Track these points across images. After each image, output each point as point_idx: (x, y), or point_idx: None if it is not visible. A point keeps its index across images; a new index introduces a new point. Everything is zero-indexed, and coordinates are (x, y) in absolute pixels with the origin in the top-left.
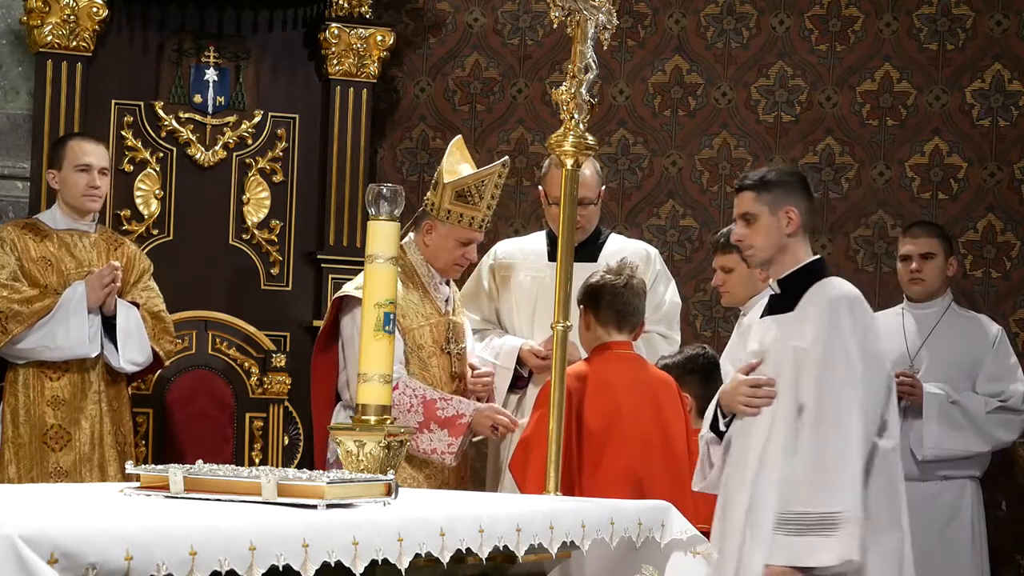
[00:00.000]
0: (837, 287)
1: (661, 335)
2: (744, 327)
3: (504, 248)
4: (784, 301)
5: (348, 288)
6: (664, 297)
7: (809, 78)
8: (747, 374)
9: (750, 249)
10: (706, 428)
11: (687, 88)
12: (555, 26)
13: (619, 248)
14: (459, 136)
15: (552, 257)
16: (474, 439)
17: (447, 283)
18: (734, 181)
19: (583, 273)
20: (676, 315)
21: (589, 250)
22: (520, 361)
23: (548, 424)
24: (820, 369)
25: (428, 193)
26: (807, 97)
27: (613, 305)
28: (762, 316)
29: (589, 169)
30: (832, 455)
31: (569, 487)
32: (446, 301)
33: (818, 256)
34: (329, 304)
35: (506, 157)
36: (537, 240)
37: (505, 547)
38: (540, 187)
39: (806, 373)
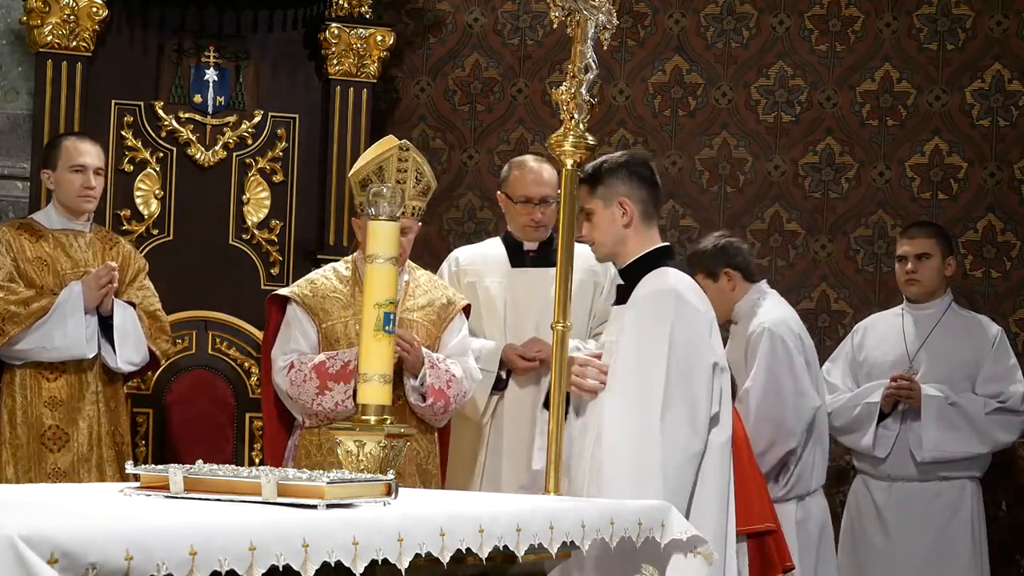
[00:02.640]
0: (662, 279)
1: None
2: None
3: (465, 255)
4: (625, 292)
5: (282, 290)
6: None
7: (809, 78)
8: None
9: (594, 245)
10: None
11: (687, 88)
12: (555, 26)
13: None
14: (387, 136)
15: (514, 262)
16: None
17: (405, 274)
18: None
19: (544, 280)
20: None
21: (549, 254)
22: (500, 363)
23: None
24: (631, 361)
25: None
26: (807, 97)
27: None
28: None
29: (549, 167)
30: (635, 447)
31: None
32: None
33: (662, 244)
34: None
35: (404, 140)
36: (496, 245)
37: (505, 547)
38: (500, 192)
39: (619, 364)
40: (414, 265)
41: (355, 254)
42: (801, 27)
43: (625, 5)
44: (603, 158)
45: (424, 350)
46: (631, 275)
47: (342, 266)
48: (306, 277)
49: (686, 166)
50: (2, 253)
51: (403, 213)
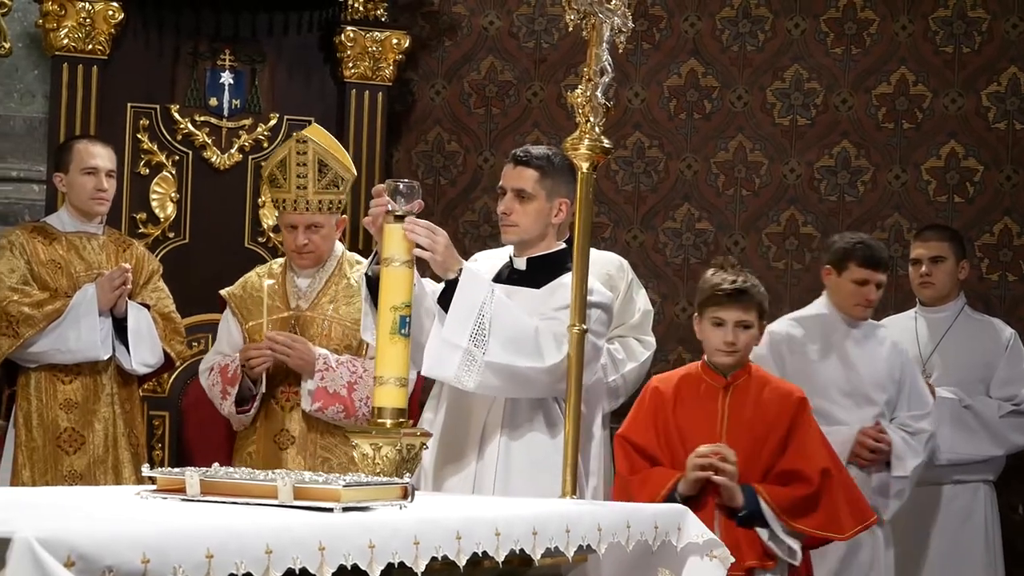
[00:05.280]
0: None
1: (637, 340)
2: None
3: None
4: (528, 278)
5: (223, 290)
6: (639, 304)
7: (825, 81)
8: None
9: (513, 227)
10: None
11: (702, 91)
12: (570, 29)
13: (600, 257)
14: (294, 135)
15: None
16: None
17: (328, 272)
18: (515, 152)
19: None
20: (649, 321)
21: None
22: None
23: None
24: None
25: None
26: (823, 100)
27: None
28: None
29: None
30: None
31: None
32: (302, 295)
33: (563, 245)
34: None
35: (303, 133)
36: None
37: (521, 550)
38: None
39: None
40: (355, 259)
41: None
42: (817, 30)
43: (640, 8)
44: (553, 150)
45: (321, 351)
46: (537, 268)
47: (276, 265)
48: (246, 275)
49: (701, 169)
50: (16, 256)
51: (308, 208)
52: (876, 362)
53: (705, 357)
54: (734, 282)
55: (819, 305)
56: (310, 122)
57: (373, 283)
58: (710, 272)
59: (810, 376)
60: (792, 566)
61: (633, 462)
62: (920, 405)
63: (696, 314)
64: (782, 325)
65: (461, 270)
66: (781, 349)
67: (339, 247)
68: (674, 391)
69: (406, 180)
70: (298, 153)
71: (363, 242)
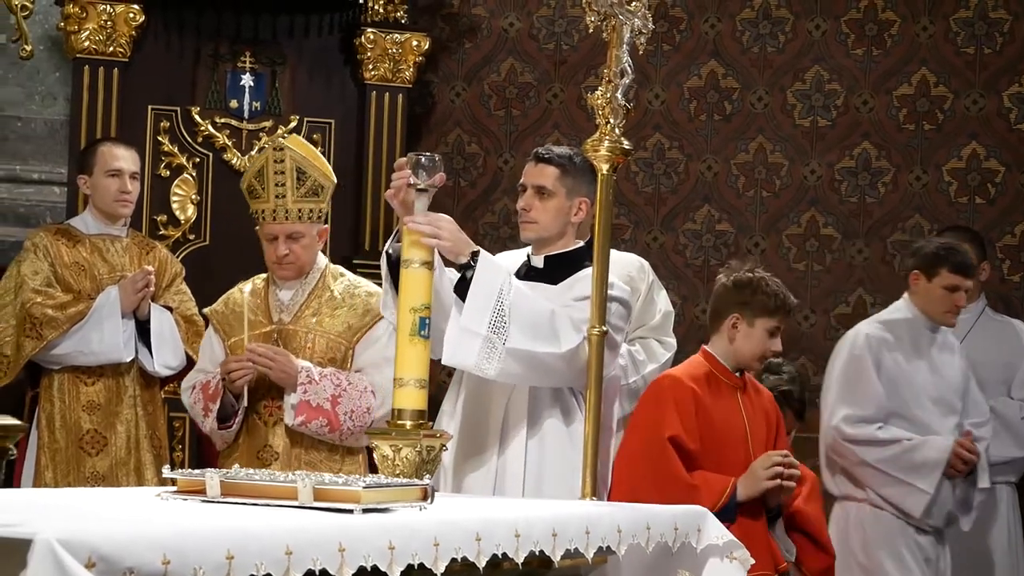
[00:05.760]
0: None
1: (658, 341)
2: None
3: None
4: (545, 276)
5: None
6: (660, 306)
7: (846, 82)
8: None
9: (532, 223)
10: None
11: (723, 92)
12: (590, 31)
13: (622, 258)
14: (271, 143)
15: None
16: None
17: (311, 284)
18: (537, 150)
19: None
20: (670, 322)
21: (554, 269)
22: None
23: None
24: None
25: None
26: (843, 101)
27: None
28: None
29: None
30: None
31: None
32: (284, 308)
33: (582, 244)
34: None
35: (279, 140)
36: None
37: (541, 552)
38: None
39: None
40: (339, 272)
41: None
42: (838, 31)
43: (661, 10)
44: (575, 150)
45: (304, 364)
46: (555, 265)
47: (259, 280)
48: (229, 291)
49: (722, 171)
50: (40, 258)
51: (287, 218)
52: (954, 368)
53: (716, 356)
54: (788, 296)
55: (903, 309)
56: (330, 124)
57: (394, 261)
58: (759, 276)
59: (904, 381)
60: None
61: (684, 464)
62: (980, 412)
63: (736, 315)
64: (873, 328)
65: (474, 254)
66: (881, 352)
67: (322, 259)
68: (704, 390)
69: (428, 153)
70: (275, 161)
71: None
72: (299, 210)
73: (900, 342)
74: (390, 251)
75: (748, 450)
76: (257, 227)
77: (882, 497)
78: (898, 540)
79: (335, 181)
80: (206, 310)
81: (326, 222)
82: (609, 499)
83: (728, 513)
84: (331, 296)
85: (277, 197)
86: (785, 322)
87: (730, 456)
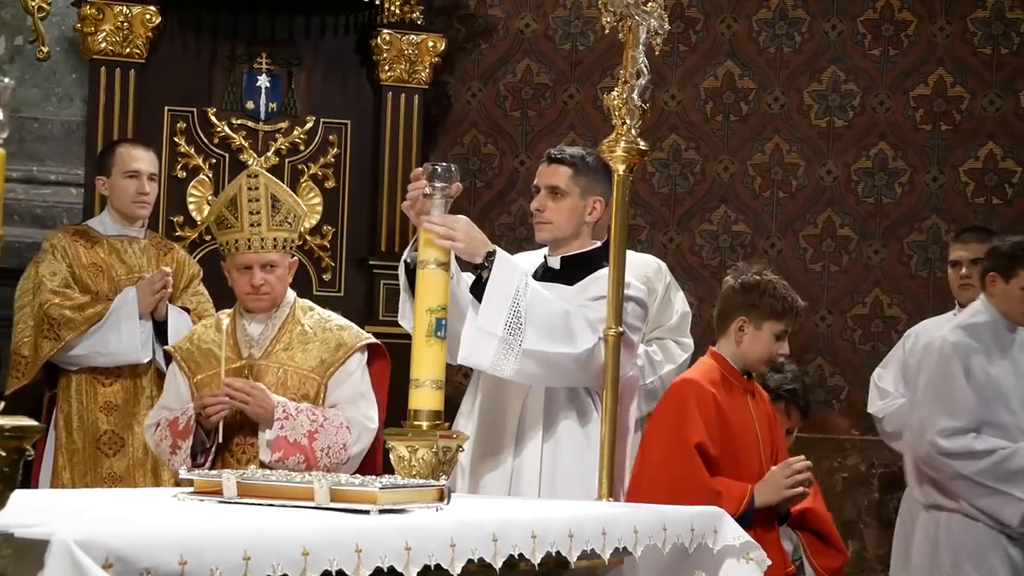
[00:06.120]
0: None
1: (675, 342)
2: None
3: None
4: (562, 277)
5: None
6: (677, 306)
7: (862, 83)
8: None
9: (547, 224)
10: None
11: (739, 93)
12: (606, 31)
13: (639, 259)
14: (244, 171)
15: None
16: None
17: (281, 318)
18: (550, 151)
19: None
20: (687, 323)
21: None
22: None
23: None
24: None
25: None
26: (860, 102)
27: None
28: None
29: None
30: None
31: None
32: (254, 343)
33: (599, 244)
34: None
35: (253, 167)
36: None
37: (558, 553)
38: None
39: None
40: (308, 306)
41: (237, 304)
42: (854, 32)
43: (677, 10)
44: (588, 149)
45: (279, 399)
46: (571, 266)
47: (224, 316)
48: (192, 327)
49: (738, 171)
50: (58, 259)
51: (263, 247)
52: None
53: (725, 357)
54: (796, 300)
55: (982, 312)
56: (346, 125)
57: (410, 270)
58: (766, 278)
59: (992, 386)
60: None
61: (706, 468)
62: None
63: (743, 318)
64: (957, 335)
65: (489, 254)
66: (969, 359)
67: (290, 293)
68: (720, 394)
69: (444, 163)
70: (249, 189)
71: (396, 241)
72: (274, 239)
73: (984, 347)
74: (408, 259)
75: (760, 455)
76: (223, 260)
77: (977, 508)
78: (990, 551)
79: (306, 211)
80: (168, 347)
81: (293, 256)
82: (630, 501)
83: (745, 520)
84: (302, 330)
85: (252, 226)
86: (792, 325)
87: (745, 461)
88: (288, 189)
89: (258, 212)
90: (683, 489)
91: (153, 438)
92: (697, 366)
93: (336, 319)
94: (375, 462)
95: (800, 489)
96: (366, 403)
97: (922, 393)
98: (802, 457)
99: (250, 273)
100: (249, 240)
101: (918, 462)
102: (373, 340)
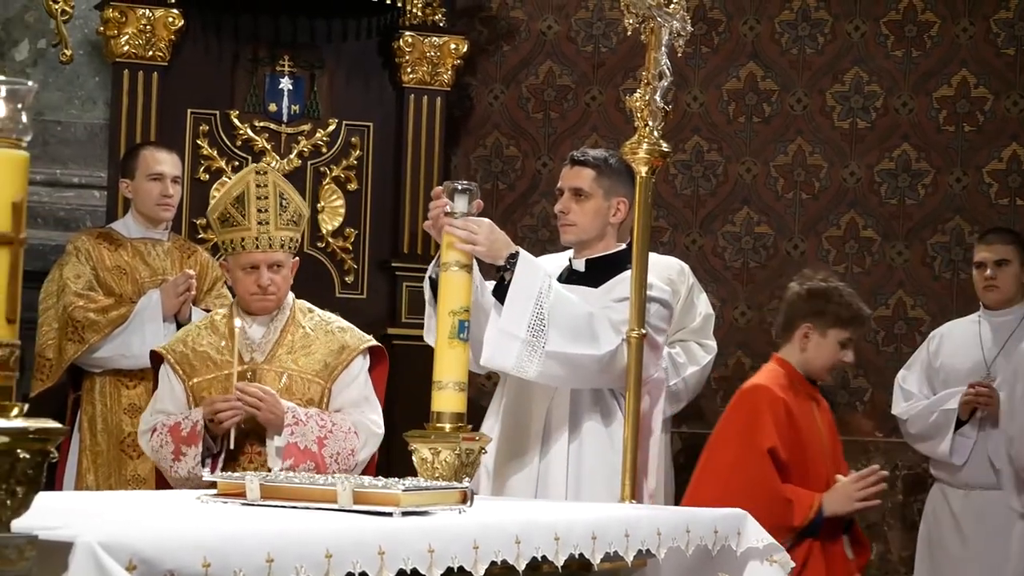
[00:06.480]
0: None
1: (699, 344)
2: None
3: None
4: (587, 279)
5: (158, 346)
6: (700, 308)
7: (885, 84)
8: None
9: (571, 226)
10: None
11: (761, 94)
12: (629, 33)
13: (661, 261)
14: (249, 167)
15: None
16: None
17: (282, 320)
18: (572, 153)
19: None
20: (711, 325)
21: (596, 272)
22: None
23: None
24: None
25: None
26: (883, 103)
27: None
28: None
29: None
30: None
31: None
32: (255, 347)
33: (624, 247)
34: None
35: (260, 164)
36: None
37: (581, 555)
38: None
39: None
40: (305, 307)
41: (233, 303)
42: (877, 33)
43: (699, 12)
44: (610, 151)
45: (288, 404)
46: (597, 268)
47: (218, 316)
48: (184, 327)
49: (760, 173)
50: (82, 262)
51: (271, 246)
52: None
53: (792, 364)
54: (862, 307)
55: None
56: (369, 127)
57: (436, 285)
58: (833, 285)
59: None
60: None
61: (778, 475)
62: None
63: (809, 325)
64: None
65: (512, 256)
66: None
67: (290, 295)
68: (791, 400)
69: (464, 181)
70: (258, 186)
71: (418, 243)
72: (281, 238)
73: None
74: (432, 275)
75: (827, 461)
76: (224, 259)
77: None
78: None
79: (308, 211)
80: (159, 348)
81: (296, 255)
82: (695, 505)
83: (813, 529)
84: (304, 333)
85: (260, 223)
86: (858, 333)
87: (812, 468)
88: (293, 187)
89: (267, 210)
90: (754, 495)
91: (150, 444)
92: (764, 372)
93: (337, 320)
94: (372, 464)
95: (874, 501)
96: (371, 407)
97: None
98: (876, 467)
99: (256, 273)
100: (257, 239)
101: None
102: (375, 342)
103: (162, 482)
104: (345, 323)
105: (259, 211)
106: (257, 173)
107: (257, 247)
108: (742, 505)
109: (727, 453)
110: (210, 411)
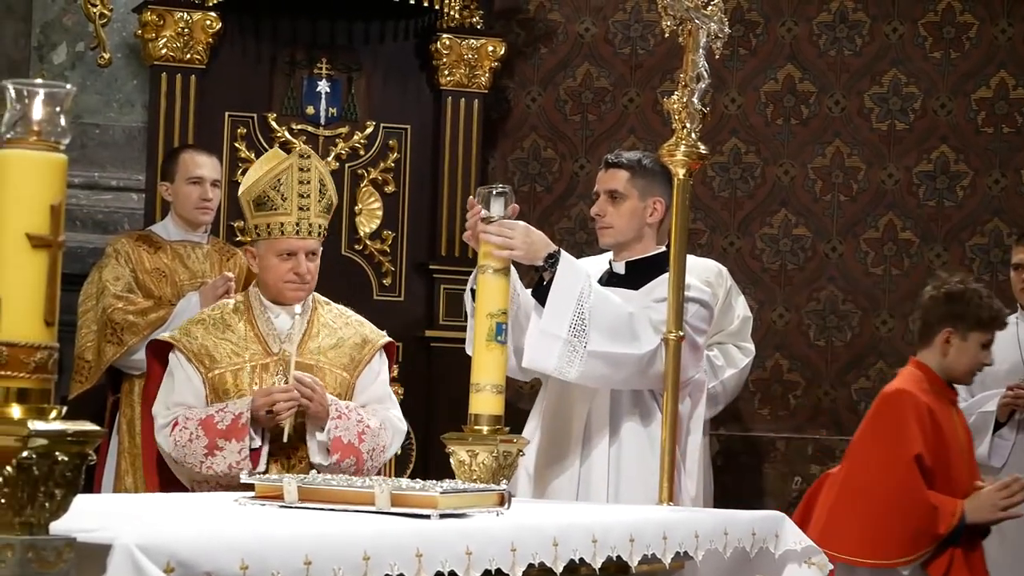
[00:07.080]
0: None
1: (737, 346)
2: None
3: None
4: (627, 282)
5: (163, 335)
6: (738, 311)
7: (923, 85)
8: None
9: (608, 228)
10: None
11: (799, 96)
12: (666, 35)
13: (698, 264)
14: (273, 149)
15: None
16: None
17: (307, 311)
18: (607, 156)
19: None
20: (749, 327)
21: (636, 275)
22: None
23: None
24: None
25: None
26: (921, 105)
27: None
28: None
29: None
30: None
31: None
32: (284, 337)
33: (663, 248)
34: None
35: (303, 147)
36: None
37: (618, 557)
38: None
39: None
40: (322, 299)
41: (251, 288)
42: (915, 34)
43: (737, 13)
44: (645, 152)
45: (331, 398)
46: (637, 271)
47: (232, 304)
48: (192, 317)
49: (799, 175)
50: (121, 264)
51: (311, 233)
52: None
53: (932, 368)
54: (1001, 308)
55: None
56: (406, 130)
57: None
58: (971, 287)
59: None
60: None
61: (923, 481)
62: None
63: (950, 329)
64: None
65: (551, 255)
66: None
67: None
68: (934, 405)
69: (499, 185)
70: (302, 170)
71: (456, 246)
72: (319, 225)
73: None
74: (473, 287)
75: (966, 467)
76: (255, 242)
77: None
78: None
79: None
80: (170, 337)
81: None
82: (837, 512)
83: (955, 537)
84: (324, 324)
85: (301, 209)
86: (992, 334)
87: (955, 473)
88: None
89: (308, 195)
90: (901, 502)
91: (173, 438)
92: (904, 376)
93: (352, 313)
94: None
95: (1018, 511)
96: (392, 404)
97: None
98: (1019, 476)
99: (293, 260)
100: (298, 224)
101: None
102: (389, 339)
103: (162, 483)
104: (358, 316)
105: (301, 196)
106: (301, 157)
107: (297, 233)
108: (889, 511)
109: (872, 460)
110: (266, 402)
